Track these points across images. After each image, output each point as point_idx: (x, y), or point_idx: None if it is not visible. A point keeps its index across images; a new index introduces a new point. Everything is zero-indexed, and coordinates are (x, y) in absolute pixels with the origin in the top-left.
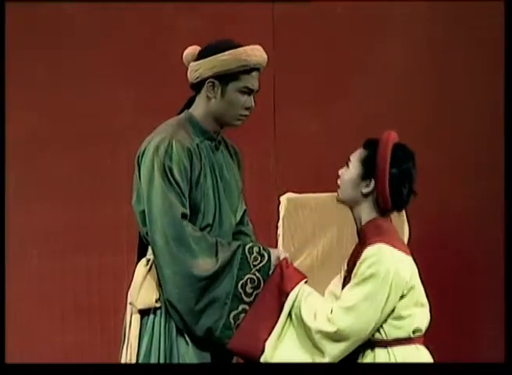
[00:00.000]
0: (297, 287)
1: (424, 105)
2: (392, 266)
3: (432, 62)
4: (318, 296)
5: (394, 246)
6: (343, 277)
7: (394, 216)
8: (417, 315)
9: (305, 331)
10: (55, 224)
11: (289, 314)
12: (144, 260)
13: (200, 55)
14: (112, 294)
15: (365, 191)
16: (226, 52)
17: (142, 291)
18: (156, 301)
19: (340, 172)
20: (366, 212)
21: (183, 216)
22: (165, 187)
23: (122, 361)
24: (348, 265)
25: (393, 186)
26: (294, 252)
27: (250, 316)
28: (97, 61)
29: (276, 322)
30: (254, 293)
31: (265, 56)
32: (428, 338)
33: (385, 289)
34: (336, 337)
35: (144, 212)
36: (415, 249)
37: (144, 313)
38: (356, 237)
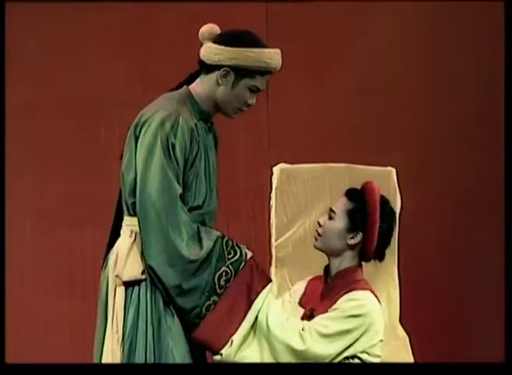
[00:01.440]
0: (267, 288)
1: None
2: (373, 313)
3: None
4: (281, 307)
5: (377, 298)
6: (299, 312)
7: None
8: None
9: (268, 338)
10: (50, 197)
11: (257, 314)
12: (127, 231)
13: (222, 40)
14: None
15: (352, 242)
16: (253, 49)
17: (128, 263)
18: (142, 273)
19: (322, 221)
20: (347, 260)
21: (179, 196)
22: (165, 164)
23: (107, 333)
24: (306, 303)
25: (381, 239)
26: (287, 223)
27: (219, 309)
28: (92, 33)
29: (243, 318)
30: (225, 286)
31: (281, 61)
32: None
33: (360, 330)
34: (300, 355)
35: (133, 181)
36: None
37: (128, 285)
38: None
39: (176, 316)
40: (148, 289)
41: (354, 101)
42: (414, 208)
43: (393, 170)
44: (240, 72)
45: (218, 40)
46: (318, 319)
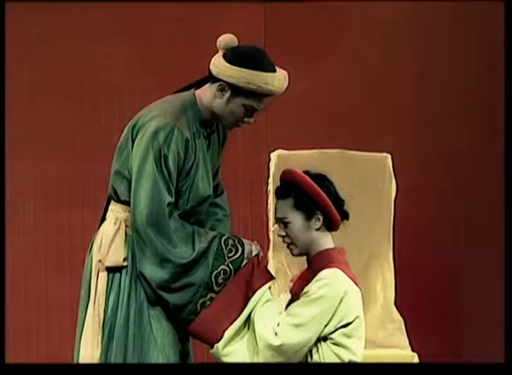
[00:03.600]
0: (265, 286)
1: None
2: (341, 290)
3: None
4: (274, 305)
5: (347, 275)
6: (287, 299)
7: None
8: (356, 346)
9: (254, 334)
10: (51, 179)
11: (250, 312)
12: (112, 218)
13: (229, 55)
14: None
15: (318, 225)
16: (250, 71)
17: (111, 249)
18: (124, 261)
19: (282, 232)
20: (321, 243)
21: (168, 204)
22: (156, 173)
23: (88, 314)
24: (293, 289)
25: (335, 202)
26: None
27: (216, 305)
28: (92, 18)
29: (239, 315)
30: (224, 283)
31: (285, 86)
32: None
33: (331, 310)
34: (278, 350)
35: (127, 181)
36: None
37: (110, 270)
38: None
39: (158, 307)
40: (128, 276)
41: (350, 88)
42: (410, 194)
43: (389, 156)
44: (236, 89)
45: (227, 54)
46: (290, 308)
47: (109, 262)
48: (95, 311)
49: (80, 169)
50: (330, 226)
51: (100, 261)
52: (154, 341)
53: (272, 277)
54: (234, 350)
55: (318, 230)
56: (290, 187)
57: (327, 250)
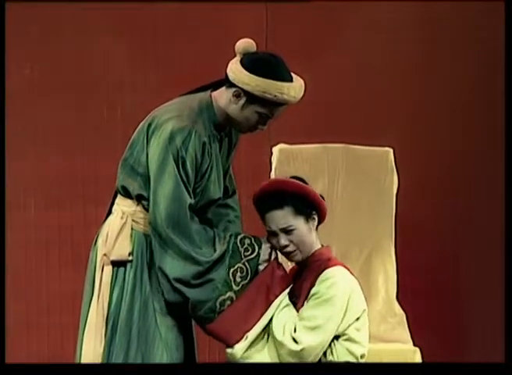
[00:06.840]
0: (285, 292)
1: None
2: (349, 286)
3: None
4: (291, 310)
5: (348, 270)
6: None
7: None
8: (365, 339)
9: (274, 340)
10: (52, 175)
11: (272, 316)
12: (119, 212)
13: (246, 61)
14: None
15: (315, 225)
16: (266, 80)
17: (117, 243)
18: (129, 255)
19: (285, 241)
20: (316, 242)
21: (189, 205)
22: (178, 176)
23: (92, 308)
24: (294, 287)
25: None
26: None
27: (236, 306)
28: (92, 15)
29: (259, 318)
30: (242, 283)
31: (301, 95)
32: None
33: (343, 308)
34: (300, 355)
35: (142, 177)
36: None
37: (115, 264)
38: (344, 188)
39: (163, 299)
40: (133, 271)
41: (351, 85)
42: (411, 188)
43: (391, 150)
44: (252, 97)
45: (244, 59)
46: (303, 311)
47: (114, 256)
48: (99, 304)
49: (81, 165)
50: (320, 222)
51: (105, 255)
52: (159, 336)
53: (291, 281)
54: (254, 353)
55: (314, 229)
56: (284, 196)
57: (320, 249)
